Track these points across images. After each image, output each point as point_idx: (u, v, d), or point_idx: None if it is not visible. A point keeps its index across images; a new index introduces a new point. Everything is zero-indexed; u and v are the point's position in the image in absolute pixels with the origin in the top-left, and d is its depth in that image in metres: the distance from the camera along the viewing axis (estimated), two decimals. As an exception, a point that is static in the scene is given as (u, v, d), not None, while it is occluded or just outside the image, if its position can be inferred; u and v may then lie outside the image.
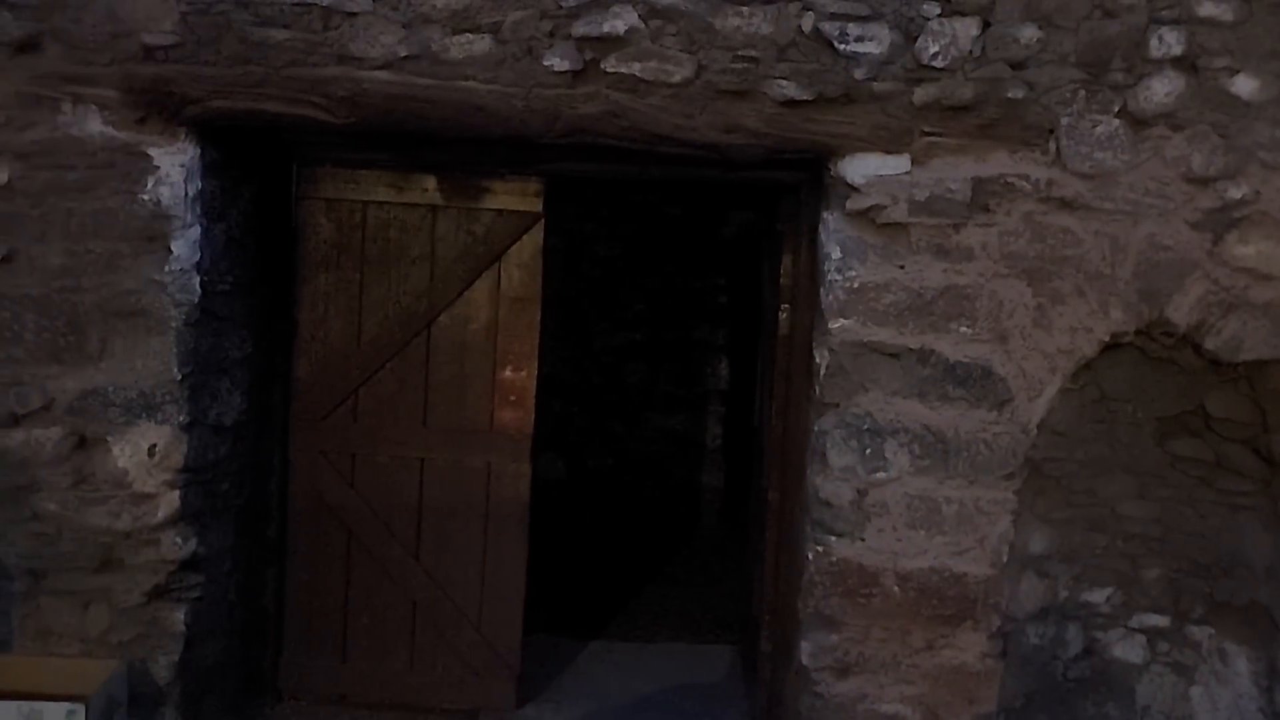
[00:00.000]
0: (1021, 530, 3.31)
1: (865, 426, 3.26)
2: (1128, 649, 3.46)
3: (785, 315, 3.92)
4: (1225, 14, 3.02)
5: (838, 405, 3.27)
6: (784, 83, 3.10)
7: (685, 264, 7.30)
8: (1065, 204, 3.13)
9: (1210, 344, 3.14)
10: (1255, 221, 3.07)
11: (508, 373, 3.98)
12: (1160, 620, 3.44)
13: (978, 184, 3.17)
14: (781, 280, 3.94)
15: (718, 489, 7.38)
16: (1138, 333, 3.18)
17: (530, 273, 3.96)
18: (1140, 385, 3.31)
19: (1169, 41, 3.04)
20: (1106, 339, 3.17)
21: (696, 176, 3.78)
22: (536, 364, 4.00)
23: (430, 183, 3.90)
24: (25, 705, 2.93)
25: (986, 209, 3.17)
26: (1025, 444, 3.24)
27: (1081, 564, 3.40)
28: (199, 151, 3.28)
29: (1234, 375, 3.21)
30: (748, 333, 6.85)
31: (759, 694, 4.13)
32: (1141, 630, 3.45)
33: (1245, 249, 3.08)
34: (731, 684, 4.56)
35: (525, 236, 3.94)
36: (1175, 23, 3.03)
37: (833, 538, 3.30)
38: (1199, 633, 3.43)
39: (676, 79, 3.10)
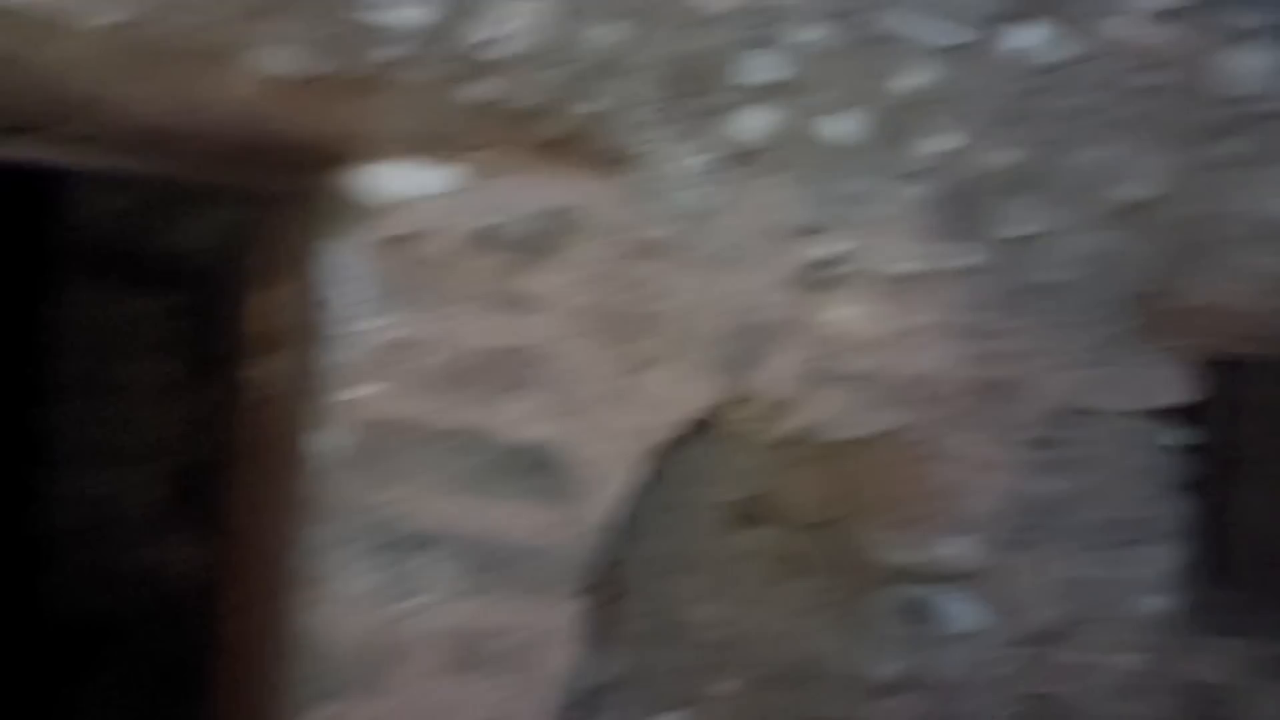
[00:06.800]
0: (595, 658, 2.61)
1: (387, 539, 2.38)
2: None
3: (264, 371, 2.83)
4: (823, 42, 2.61)
5: (348, 508, 2.36)
6: (278, 50, 2.13)
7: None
8: (647, 249, 2.51)
9: (798, 419, 2.70)
10: (852, 283, 2.69)
11: None
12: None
13: (547, 215, 2.45)
14: (250, 326, 2.84)
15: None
16: (721, 405, 2.66)
17: None
18: (705, 467, 2.79)
19: (762, 67, 2.56)
20: (692, 413, 2.61)
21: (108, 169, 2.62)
22: None
23: None
24: None
25: (557, 248, 2.48)
26: (587, 548, 2.56)
27: (655, 685, 2.78)
28: None
29: (814, 454, 2.81)
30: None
31: None
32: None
33: (843, 311, 2.68)
34: None
35: None
36: (768, 45, 2.57)
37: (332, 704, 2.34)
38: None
39: (102, 21, 1.97)
